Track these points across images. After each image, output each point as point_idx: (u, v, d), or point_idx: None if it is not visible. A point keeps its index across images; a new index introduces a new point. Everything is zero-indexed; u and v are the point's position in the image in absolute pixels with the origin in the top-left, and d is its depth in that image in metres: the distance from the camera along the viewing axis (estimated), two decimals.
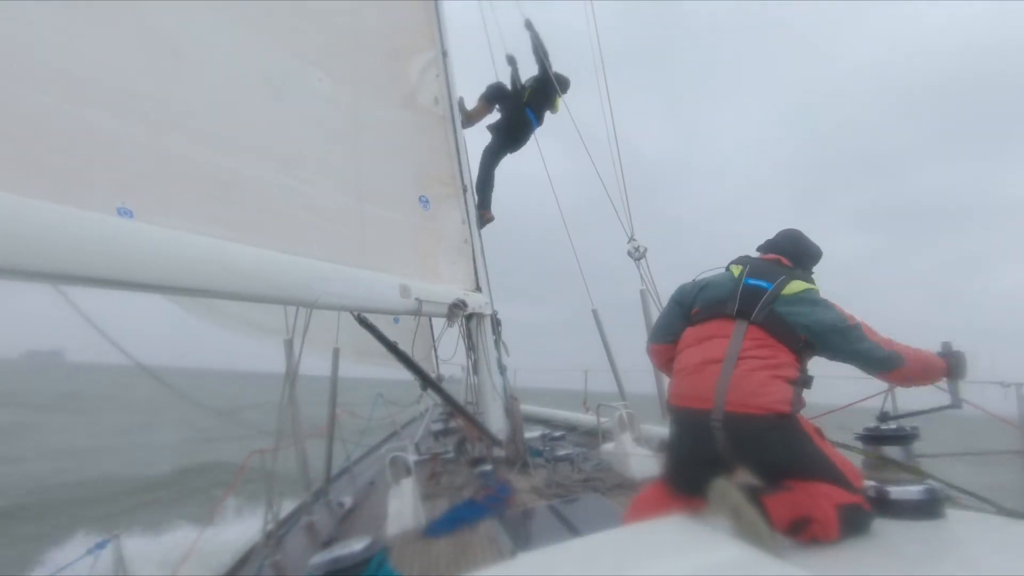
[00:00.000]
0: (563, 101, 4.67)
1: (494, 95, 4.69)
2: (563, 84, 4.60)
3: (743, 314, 1.51)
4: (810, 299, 1.52)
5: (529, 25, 4.63)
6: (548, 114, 4.77)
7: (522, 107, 4.58)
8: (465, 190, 3.53)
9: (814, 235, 1.82)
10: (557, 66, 4.64)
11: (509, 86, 4.71)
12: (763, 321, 1.48)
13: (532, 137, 4.79)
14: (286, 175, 2.38)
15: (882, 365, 1.51)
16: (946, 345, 1.65)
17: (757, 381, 1.37)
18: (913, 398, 1.80)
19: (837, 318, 1.49)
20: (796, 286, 1.54)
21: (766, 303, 1.50)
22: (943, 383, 1.67)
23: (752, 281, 1.57)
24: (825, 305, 1.52)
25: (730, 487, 1.22)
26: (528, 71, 4.72)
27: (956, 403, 1.68)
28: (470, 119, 4.55)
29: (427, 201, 3.26)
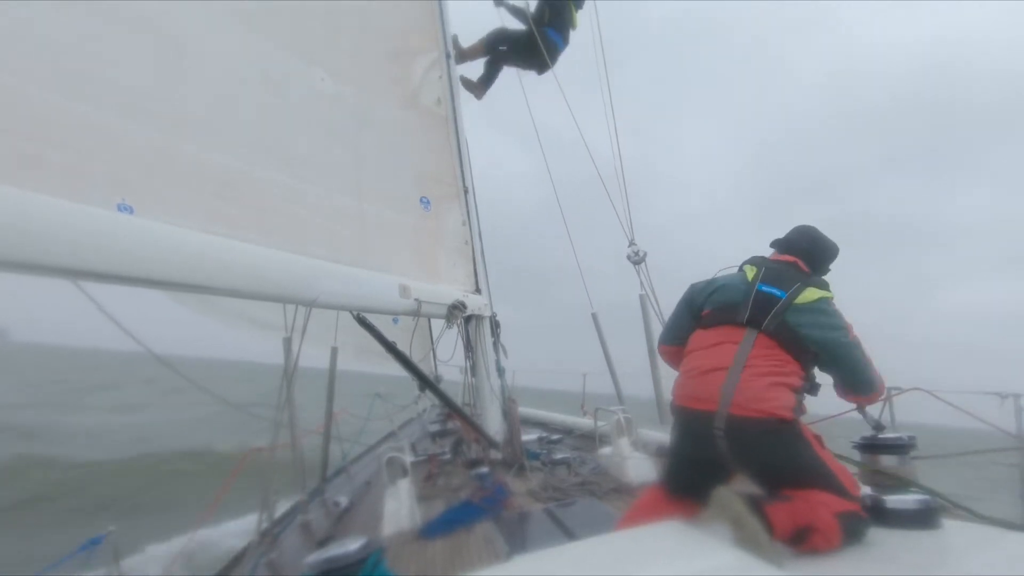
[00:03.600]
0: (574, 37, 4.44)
1: (494, 39, 4.46)
2: None
3: (754, 322, 1.49)
4: (821, 310, 1.50)
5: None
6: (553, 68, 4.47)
7: (542, 31, 4.27)
8: (466, 191, 3.52)
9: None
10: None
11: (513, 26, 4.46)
12: (774, 331, 1.46)
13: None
14: (287, 174, 2.38)
15: (865, 388, 1.57)
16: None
17: (761, 386, 1.37)
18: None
19: (843, 332, 1.49)
20: (810, 295, 1.51)
21: (778, 313, 1.48)
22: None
23: (766, 288, 1.54)
24: (835, 317, 1.51)
25: (732, 496, 1.21)
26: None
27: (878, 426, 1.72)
28: (463, 56, 4.34)
29: (428, 202, 3.26)
